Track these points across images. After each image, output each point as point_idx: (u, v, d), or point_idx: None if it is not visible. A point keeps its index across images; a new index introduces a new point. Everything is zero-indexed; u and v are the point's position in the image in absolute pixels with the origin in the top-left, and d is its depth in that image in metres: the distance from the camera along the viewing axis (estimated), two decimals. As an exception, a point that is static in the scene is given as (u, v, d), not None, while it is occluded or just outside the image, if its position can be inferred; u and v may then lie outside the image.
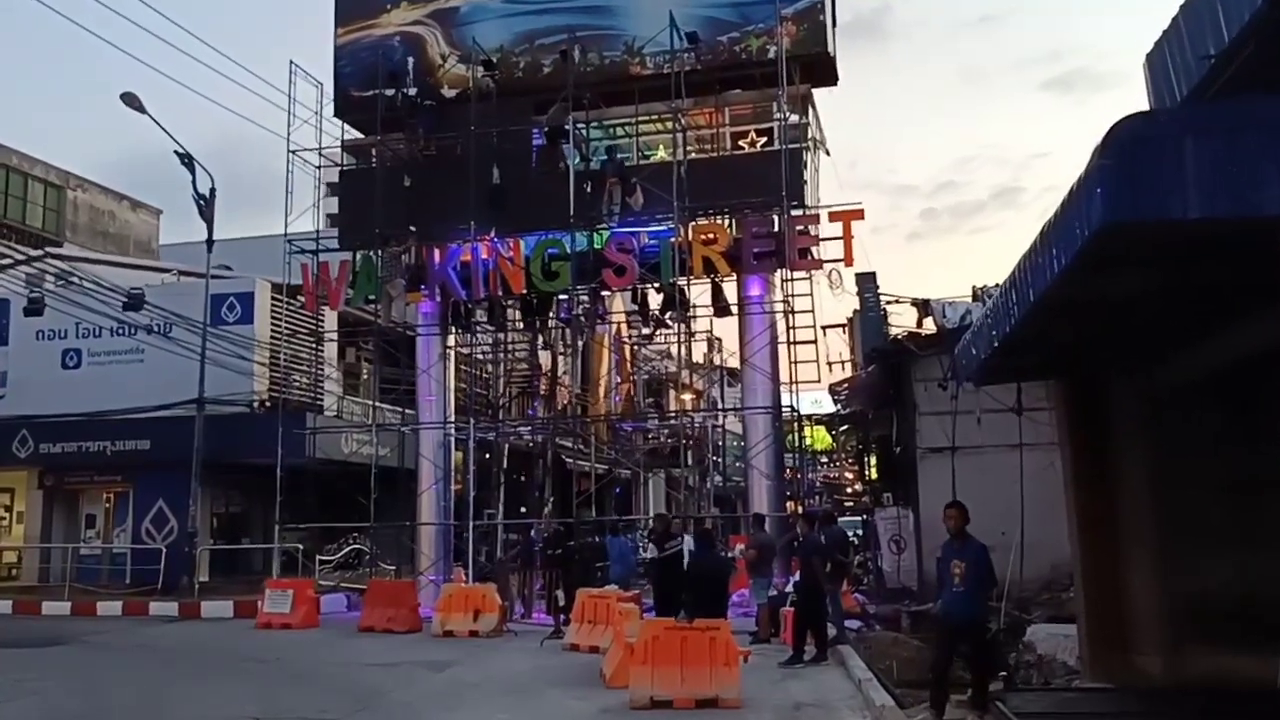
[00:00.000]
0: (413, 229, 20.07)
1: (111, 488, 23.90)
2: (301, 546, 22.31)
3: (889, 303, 21.25)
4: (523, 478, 31.75)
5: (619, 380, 37.48)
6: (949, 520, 8.24)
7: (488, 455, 24.40)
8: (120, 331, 22.76)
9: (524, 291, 20.46)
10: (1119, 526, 9.87)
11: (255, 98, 54.66)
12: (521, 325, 23.33)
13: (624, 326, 34.18)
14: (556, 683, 11.26)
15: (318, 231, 20.76)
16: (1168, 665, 9.16)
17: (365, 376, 28.72)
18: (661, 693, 9.69)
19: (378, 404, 22.84)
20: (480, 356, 29.57)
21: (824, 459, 48.76)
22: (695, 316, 21.28)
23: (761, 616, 14.69)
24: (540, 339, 27.16)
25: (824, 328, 24.58)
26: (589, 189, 19.89)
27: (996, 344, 7.92)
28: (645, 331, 25.01)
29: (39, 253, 24.90)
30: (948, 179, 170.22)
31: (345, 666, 12.91)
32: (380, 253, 20.54)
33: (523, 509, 31.02)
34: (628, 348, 36.64)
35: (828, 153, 21.15)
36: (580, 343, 34.32)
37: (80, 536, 23.84)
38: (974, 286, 22.04)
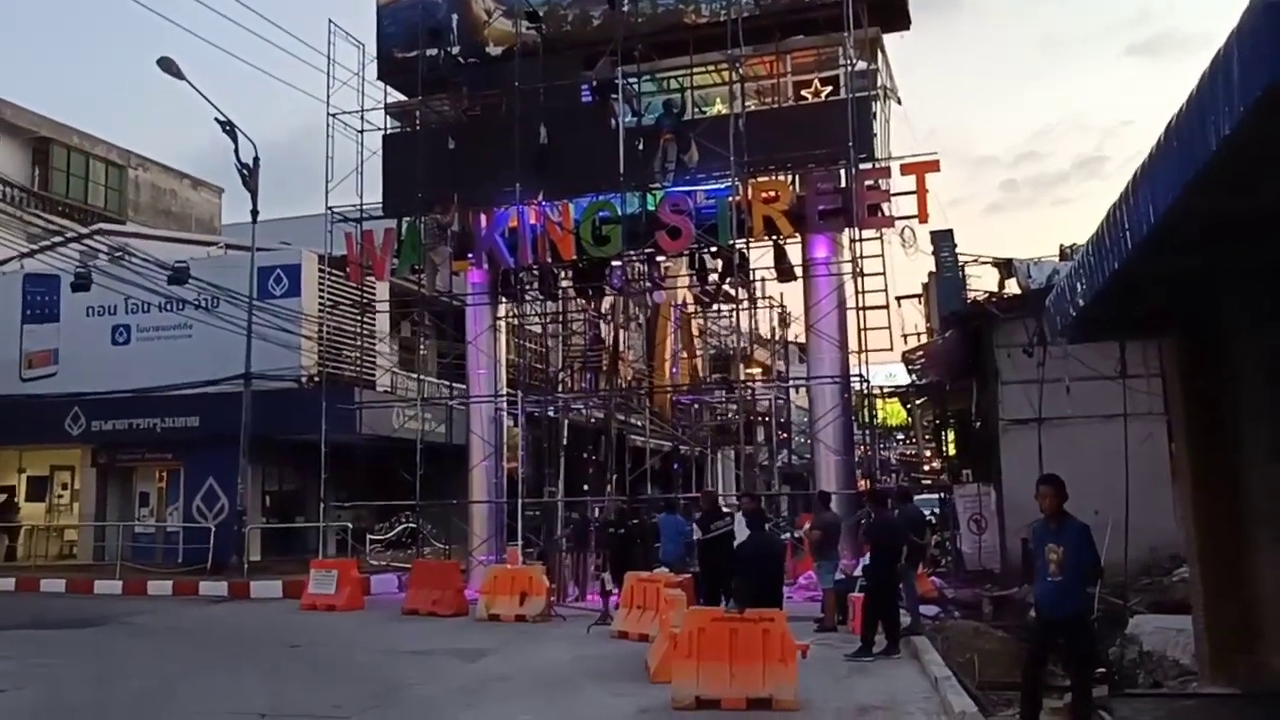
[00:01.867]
0: (455, 194, 19.12)
1: (163, 465, 23.55)
2: (350, 525, 21.68)
3: (968, 263, 19.70)
4: (585, 455, 30.90)
5: (683, 355, 36.43)
6: (1043, 499, 6.93)
7: (539, 431, 23.47)
8: (168, 307, 22.30)
9: (574, 258, 19.40)
10: (1243, 504, 8.42)
11: (306, 68, 54.28)
12: (574, 294, 22.25)
13: (689, 299, 33.13)
14: (596, 675, 10.23)
15: (360, 198, 19.91)
16: (1306, 668, 7.74)
17: (423, 351, 28.04)
18: (708, 691, 8.58)
19: (424, 377, 22.03)
20: (538, 330, 28.71)
21: (899, 436, 47.12)
22: (757, 281, 19.99)
23: (827, 602, 13.45)
24: (598, 309, 26.16)
25: (898, 298, 23.12)
26: (641, 147, 18.73)
27: (1103, 283, 6.57)
28: (705, 298, 23.63)
29: (87, 230, 24.61)
30: (1029, 149, 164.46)
31: (377, 653, 12.07)
32: (424, 219, 19.66)
33: (585, 487, 30.18)
34: (693, 321, 35.56)
35: (899, 101, 19.64)
36: (641, 315, 33.38)
37: (134, 515, 23.56)
38: (1061, 245, 20.44)
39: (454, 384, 22.65)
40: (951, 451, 29.06)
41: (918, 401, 30.18)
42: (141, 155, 36.04)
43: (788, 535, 20.70)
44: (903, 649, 11.18)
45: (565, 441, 30.66)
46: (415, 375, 21.89)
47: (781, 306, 32.35)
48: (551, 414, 28.70)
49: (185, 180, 38.38)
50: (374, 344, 23.30)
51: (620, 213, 18.79)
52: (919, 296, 25.56)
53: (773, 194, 18.42)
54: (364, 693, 9.50)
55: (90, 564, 22.17)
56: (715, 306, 27.78)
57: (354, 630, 14.33)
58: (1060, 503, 6.91)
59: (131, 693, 9.77)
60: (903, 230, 18.33)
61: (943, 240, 19.24)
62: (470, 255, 20.01)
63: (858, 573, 13.41)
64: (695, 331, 36.21)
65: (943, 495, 28.04)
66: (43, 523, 24.12)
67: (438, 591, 16.04)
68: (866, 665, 10.62)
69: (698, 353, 36.71)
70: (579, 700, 9.14)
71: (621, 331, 31.18)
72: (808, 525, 16.98)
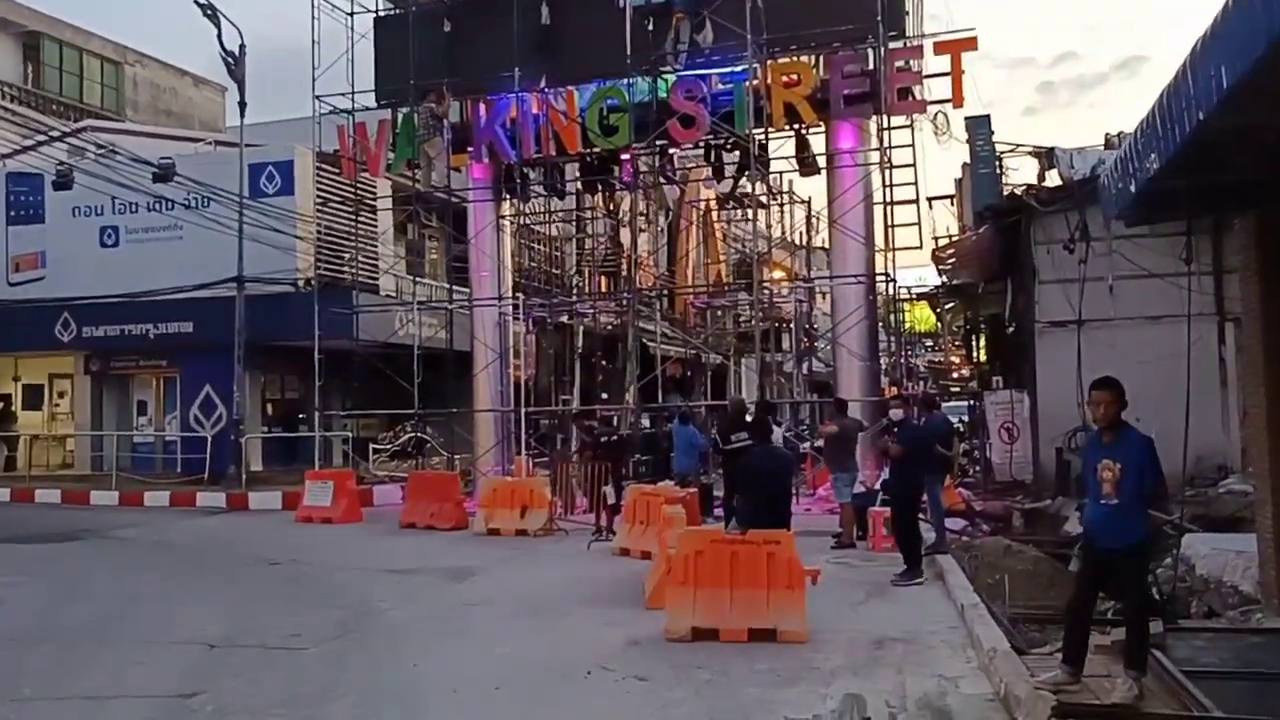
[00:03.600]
0: (448, 81, 17.77)
1: (159, 373, 22.76)
2: (351, 435, 20.89)
3: (1005, 154, 18.20)
4: (604, 362, 29.96)
5: (706, 260, 35.28)
6: (1097, 406, 5.79)
7: (553, 337, 22.46)
8: (156, 207, 21.22)
9: (579, 150, 18.09)
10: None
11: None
12: (583, 190, 20.97)
13: (712, 201, 31.88)
14: (589, 599, 9.34)
15: (352, 86, 18.57)
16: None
17: (432, 255, 26.91)
18: (706, 621, 7.64)
19: (431, 282, 20.96)
20: (555, 232, 27.51)
21: (928, 342, 45.82)
22: (777, 173, 18.56)
23: (845, 517, 12.43)
24: (613, 211, 24.90)
25: (929, 199, 21.64)
26: (651, 27, 17.26)
27: (1182, 140, 5.31)
28: (723, 197, 22.28)
29: (69, 128, 23.42)
30: (1068, 49, 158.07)
31: (359, 572, 11.26)
32: (419, 109, 18.34)
33: (604, 395, 29.31)
34: (716, 226, 34.36)
35: (933, -28, 17.88)
36: (661, 218, 32.04)
37: (133, 424, 22.89)
38: (1107, 134, 18.87)
39: (464, 289, 21.58)
40: (982, 357, 27.85)
41: (947, 305, 28.85)
42: (139, 51, 34.61)
43: (808, 445, 19.78)
44: (926, 569, 10.19)
45: (580, 349, 29.79)
46: (412, 278, 20.76)
47: (804, 202, 30.80)
48: (564, 320, 27.74)
49: (186, 78, 36.96)
50: (375, 245, 22.17)
51: (629, 100, 17.42)
52: (951, 197, 24.05)
53: (794, 77, 16.98)
54: (331, 619, 8.65)
55: (89, 474, 21.56)
56: (738, 210, 26.48)
57: (343, 546, 13.56)
58: (1118, 411, 5.78)
59: (81, 617, 8.99)
60: (935, 116, 16.92)
61: (979, 128, 17.74)
62: (470, 149, 18.75)
63: (879, 486, 12.41)
64: (719, 236, 34.92)
65: (971, 402, 26.98)
66: (41, 432, 23.51)
67: (436, 504, 15.24)
68: (885, 588, 9.64)
69: (720, 258, 35.47)
70: (565, 629, 8.25)
71: (641, 235, 29.97)
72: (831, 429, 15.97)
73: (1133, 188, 6.63)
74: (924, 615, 8.40)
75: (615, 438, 13.92)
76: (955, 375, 43.39)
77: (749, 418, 13.59)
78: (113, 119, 30.25)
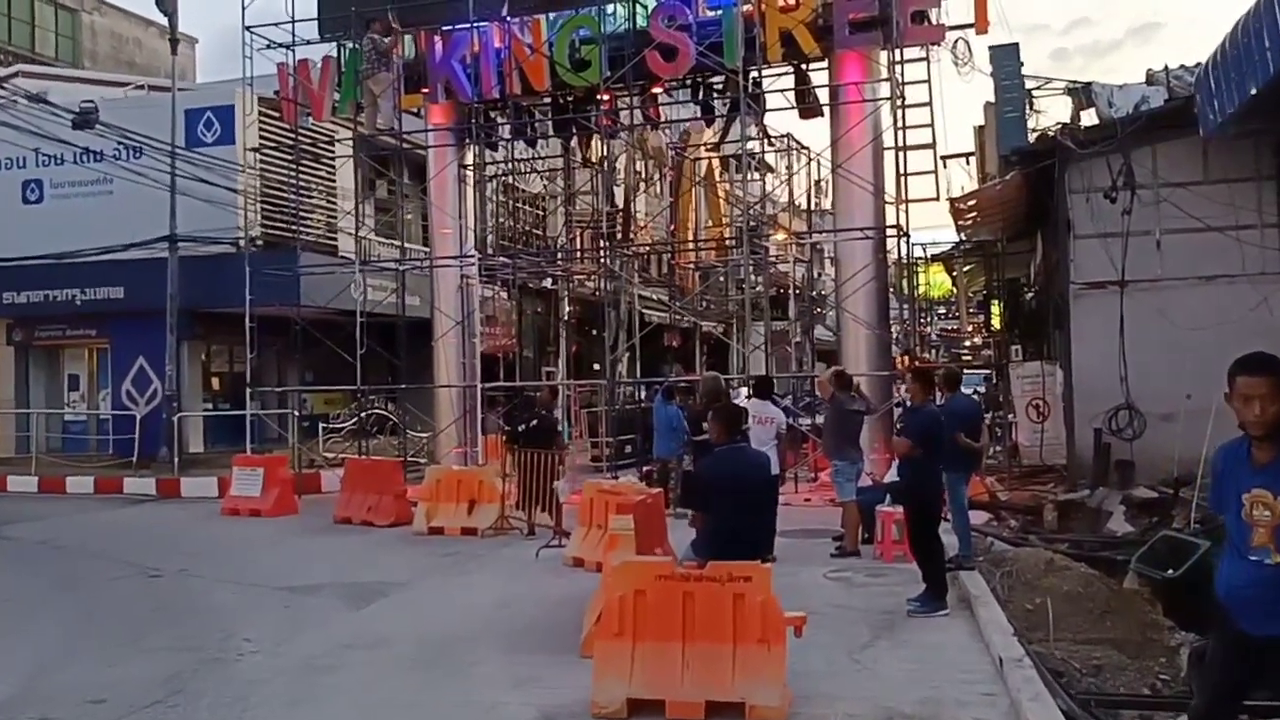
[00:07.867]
0: (392, 6, 15.51)
1: (89, 343, 20.60)
2: (300, 412, 18.80)
3: (1034, 90, 15.88)
4: (591, 331, 27.93)
5: (708, 223, 33.32)
6: (1250, 401, 3.52)
7: (519, 302, 20.25)
8: (83, 159, 19.02)
9: (547, 87, 15.82)
10: None
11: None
12: (555, 135, 18.74)
13: (715, 163, 29.83)
14: (511, 638, 7.23)
15: (292, 14, 16.29)
16: None
17: (408, 216, 24.66)
18: (647, 689, 5.51)
19: (384, 240, 18.74)
20: (541, 190, 25.31)
21: (940, 310, 43.45)
22: (777, 109, 16.29)
23: (847, 518, 10.22)
24: (593, 159, 22.61)
25: (944, 158, 19.34)
26: (627, -58, 14.93)
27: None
28: (714, 131, 20.02)
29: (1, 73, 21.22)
30: (1082, 15, 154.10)
31: (247, 590, 9.18)
32: (363, 42, 16.08)
33: (595, 366, 27.31)
34: (720, 187, 32.32)
35: (953, -123, 15.49)
36: (658, 176, 29.82)
37: (64, 400, 20.78)
38: (1150, 70, 16.53)
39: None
40: (998, 325, 25.63)
41: (966, 268, 26.57)
42: (96, -2, 32.24)
43: (807, 422, 17.64)
44: (949, 591, 8.01)
45: (566, 317, 27.62)
46: (353, 232, 18.50)
47: (805, 149, 28.56)
48: (549, 285, 25.57)
49: (152, 29, 34.46)
50: (333, 202, 19.95)
51: (601, 29, 15.14)
52: (969, 155, 21.72)
53: (792, 1, 14.64)
54: (165, 669, 6.55)
55: (12, 457, 19.48)
56: (738, 170, 24.25)
57: (254, 548, 11.51)
58: None
59: None
60: (955, 44, 14.60)
61: (1005, 58, 15.38)
62: (425, 90, 16.48)
63: (888, 480, 10.18)
64: (721, 197, 32.79)
65: (989, 374, 24.76)
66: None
67: (374, 496, 13.17)
68: (895, 622, 7.48)
69: (724, 220, 33.37)
70: (462, 689, 6.12)
71: (638, 195, 27.86)
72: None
73: (1272, 66, 4.40)
74: (948, 670, 6.24)
75: (534, 423, 11.70)
76: (967, 344, 41.08)
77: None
78: (51, 65, 28.03)
